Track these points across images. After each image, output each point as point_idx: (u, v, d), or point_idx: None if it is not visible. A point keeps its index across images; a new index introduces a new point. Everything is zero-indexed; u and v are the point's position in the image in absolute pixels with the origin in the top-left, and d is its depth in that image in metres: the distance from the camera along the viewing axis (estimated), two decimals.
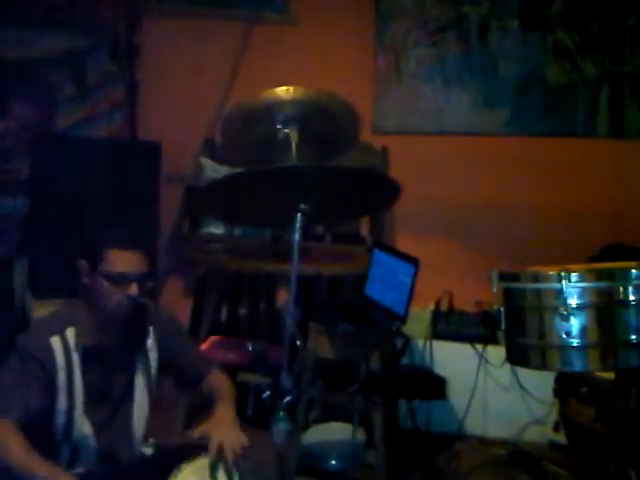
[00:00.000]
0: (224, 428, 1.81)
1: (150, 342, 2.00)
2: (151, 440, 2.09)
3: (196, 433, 1.82)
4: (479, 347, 3.15)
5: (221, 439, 1.76)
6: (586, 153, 3.54)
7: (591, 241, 3.20)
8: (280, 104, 1.94)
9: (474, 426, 3.16)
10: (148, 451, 2.05)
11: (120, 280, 1.79)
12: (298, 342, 1.67)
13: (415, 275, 2.46)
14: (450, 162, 3.64)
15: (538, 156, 3.57)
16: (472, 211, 3.57)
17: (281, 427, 1.60)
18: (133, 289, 1.80)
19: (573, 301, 1.54)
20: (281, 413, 1.61)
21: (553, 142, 3.56)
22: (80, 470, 1.87)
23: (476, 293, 3.18)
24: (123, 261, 1.79)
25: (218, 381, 2.07)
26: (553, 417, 2.85)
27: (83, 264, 1.83)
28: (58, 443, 1.85)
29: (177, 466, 1.89)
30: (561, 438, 2.71)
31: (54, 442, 1.85)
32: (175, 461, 1.92)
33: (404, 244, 3.28)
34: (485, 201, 3.55)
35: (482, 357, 3.13)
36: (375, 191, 1.69)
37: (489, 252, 3.46)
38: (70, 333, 1.83)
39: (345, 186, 1.59)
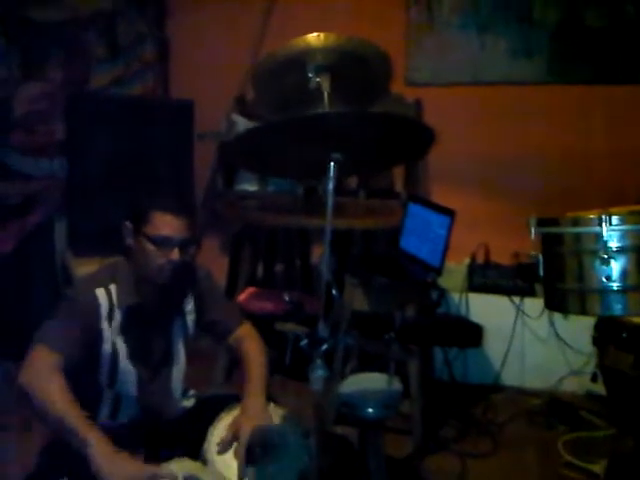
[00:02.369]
0: (253, 420, 1.85)
1: (189, 305, 2.04)
2: (192, 392, 2.14)
3: (228, 429, 1.85)
4: (516, 299, 3.14)
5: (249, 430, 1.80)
6: (628, 100, 3.43)
7: (632, 190, 3.12)
8: (311, 52, 1.90)
9: (511, 377, 3.17)
10: (189, 404, 2.11)
11: (163, 244, 1.81)
12: (334, 291, 1.67)
13: (450, 226, 2.44)
14: (485, 113, 3.56)
15: (577, 105, 3.47)
16: (508, 162, 3.50)
17: (318, 374, 1.61)
18: (175, 254, 1.82)
19: (613, 244, 1.52)
20: (318, 361, 1.62)
21: (592, 90, 3.45)
22: (124, 421, 1.94)
23: (513, 245, 3.16)
24: (167, 225, 1.81)
25: (247, 342, 2.10)
26: (591, 368, 2.84)
27: (128, 225, 1.86)
28: (101, 390, 1.91)
29: (217, 415, 1.95)
30: (599, 389, 2.70)
31: (97, 389, 1.91)
32: (215, 411, 1.98)
33: (439, 198, 3.24)
34: (522, 152, 3.48)
35: (519, 309, 3.11)
36: (409, 138, 1.66)
37: (526, 204, 3.39)
38: (113, 290, 1.87)
39: (378, 133, 1.57)
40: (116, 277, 1.89)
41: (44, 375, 1.70)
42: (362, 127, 1.54)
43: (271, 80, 2.03)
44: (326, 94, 1.85)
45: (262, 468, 1.78)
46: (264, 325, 2.20)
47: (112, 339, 1.86)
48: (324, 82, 1.88)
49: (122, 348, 1.88)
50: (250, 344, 2.09)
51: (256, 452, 1.79)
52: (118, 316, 1.86)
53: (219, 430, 1.89)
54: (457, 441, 2.68)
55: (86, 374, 1.84)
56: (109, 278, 1.89)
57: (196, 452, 1.81)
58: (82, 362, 1.80)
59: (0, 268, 3.24)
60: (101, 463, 1.61)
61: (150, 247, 1.81)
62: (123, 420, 1.94)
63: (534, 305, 3.08)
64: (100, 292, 1.85)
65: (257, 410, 1.89)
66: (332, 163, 1.57)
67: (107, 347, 1.86)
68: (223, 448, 1.83)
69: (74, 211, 3.30)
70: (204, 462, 1.79)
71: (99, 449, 1.62)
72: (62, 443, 1.76)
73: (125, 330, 1.88)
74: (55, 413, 1.66)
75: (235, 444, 1.82)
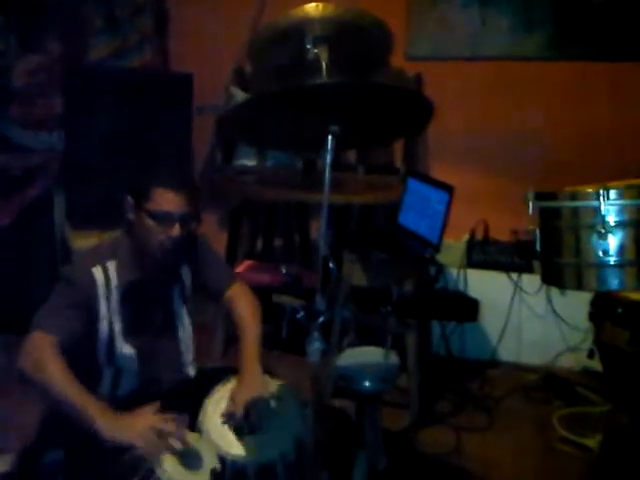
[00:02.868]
0: (249, 389, 1.86)
1: (185, 269, 2.04)
2: (194, 362, 2.16)
3: (226, 401, 1.87)
4: (514, 276, 3.14)
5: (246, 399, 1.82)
6: (629, 77, 3.39)
7: (633, 167, 3.11)
8: (309, 22, 1.88)
9: (507, 353, 3.19)
10: (191, 372, 2.12)
11: (164, 219, 1.81)
12: (331, 265, 1.67)
13: (449, 202, 2.43)
14: (486, 88, 3.53)
15: (577, 81, 3.44)
16: (508, 138, 3.48)
17: (315, 346, 1.62)
18: (175, 230, 1.82)
19: (611, 219, 1.51)
20: (315, 333, 1.62)
21: (593, 66, 3.41)
22: (122, 394, 1.96)
23: (512, 222, 3.16)
24: (168, 201, 1.81)
25: (240, 303, 2.10)
26: (587, 344, 2.85)
27: (129, 200, 1.85)
28: (100, 367, 1.92)
29: (213, 388, 1.97)
30: (595, 365, 2.70)
31: (97, 366, 1.92)
32: (212, 383, 1.99)
33: (438, 174, 3.22)
34: (522, 128, 3.45)
35: (517, 285, 3.12)
36: (408, 111, 1.65)
37: (525, 181, 3.37)
38: (111, 266, 1.87)
39: (377, 105, 1.55)
40: (116, 253, 1.89)
41: (43, 358, 1.71)
42: (360, 99, 1.53)
43: (269, 51, 2.01)
44: (324, 65, 1.84)
45: (258, 437, 1.80)
46: (261, 297, 2.21)
47: (109, 318, 1.86)
48: (322, 53, 1.86)
49: (120, 326, 1.89)
50: (243, 306, 2.09)
51: (252, 422, 1.81)
52: (115, 293, 1.86)
53: (214, 402, 1.91)
54: (453, 415, 2.70)
55: (85, 352, 1.85)
56: (108, 254, 1.89)
57: (192, 423, 1.83)
58: (80, 341, 1.81)
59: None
60: (108, 430, 1.63)
61: (151, 223, 1.81)
62: (122, 394, 1.96)
63: (532, 282, 3.09)
64: (97, 270, 1.84)
65: (253, 380, 1.91)
66: (330, 136, 1.56)
67: (104, 326, 1.86)
68: (218, 419, 1.84)
69: (73, 185, 3.29)
70: (200, 433, 1.81)
71: (104, 418, 1.64)
72: (59, 416, 1.79)
73: (123, 307, 1.88)
74: (57, 393, 1.68)
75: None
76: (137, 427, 1.66)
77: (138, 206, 1.84)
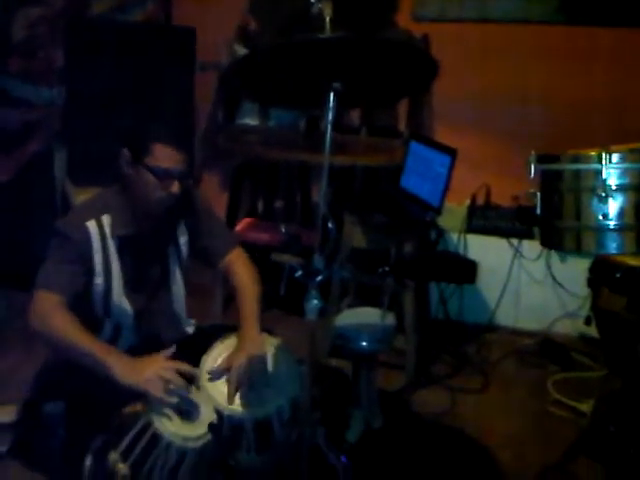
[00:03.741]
0: (246, 350, 1.86)
1: (181, 229, 2.04)
2: (193, 321, 2.18)
3: (223, 361, 1.87)
4: (514, 241, 3.14)
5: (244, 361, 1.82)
6: (636, 43, 3.34)
7: (635, 133, 3.08)
8: None
9: (505, 317, 3.20)
10: (190, 330, 2.14)
11: (165, 176, 1.79)
12: (330, 224, 1.66)
13: (452, 166, 2.42)
14: (492, 52, 3.48)
15: (584, 46, 3.38)
16: (513, 103, 3.44)
17: (313, 305, 1.62)
18: (175, 187, 1.81)
19: (612, 182, 1.51)
20: (313, 292, 1.62)
21: (601, 32, 3.35)
22: (123, 347, 1.97)
23: (513, 188, 3.14)
24: (168, 157, 1.79)
25: (238, 269, 2.09)
26: (585, 311, 2.86)
27: (126, 153, 1.82)
28: (100, 320, 1.94)
29: (211, 344, 1.99)
30: (592, 331, 2.72)
31: (96, 320, 1.94)
32: (210, 340, 2.01)
33: (442, 138, 3.20)
34: (527, 93, 3.42)
35: (517, 251, 3.12)
36: (412, 69, 1.62)
37: (529, 146, 3.36)
38: (106, 220, 1.86)
39: (381, 63, 1.53)
40: (110, 207, 1.88)
41: (51, 315, 1.73)
42: (364, 56, 1.51)
43: (273, 6, 1.98)
44: (328, 20, 1.81)
45: (254, 394, 1.82)
46: (260, 255, 2.21)
47: (105, 272, 1.87)
48: (326, 8, 1.83)
49: (116, 280, 1.89)
50: (241, 271, 2.08)
51: (248, 379, 1.82)
52: (111, 247, 1.86)
53: (212, 358, 1.93)
54: (449, 377, 2.73)
55: (83, 306, 1.87)
56: (101, 208, 1.88)
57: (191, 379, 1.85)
58: (79, 296, 1.82)
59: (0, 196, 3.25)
60: (124, 373, 1.66)
61: (150, 178, 1.80)
62: (121, 348, 1.98)
63: (532, 247, 3.09)
64: (91, 224, 1.84)
65: (251, 341, 1.92)
66: (332, 93, 1.54)
67: (99, 281, 1.87)
68: (216, 376, 1.86)
69: (73, 140, 3.27)
70: (198, 388, 1.83)
71: (118, 363, 1.67)
72: (59, 368, 1.81)
73: (119, 261, 1.89)
74: (71, 345, 1.70)
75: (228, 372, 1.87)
76: (151, 372, 1.69)
77: (136, 160, 1.81)
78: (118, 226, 1.87)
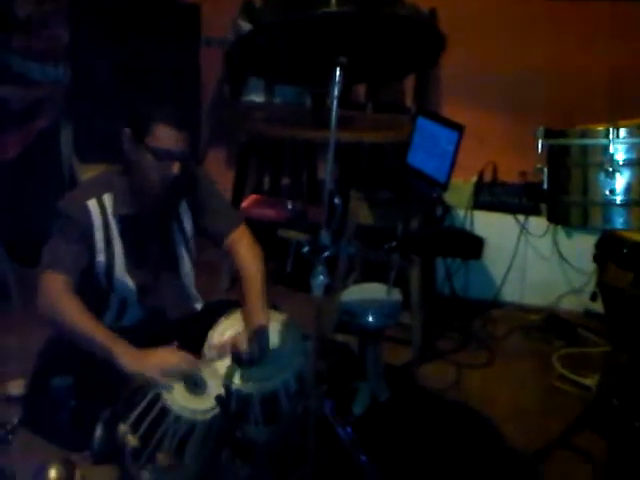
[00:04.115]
0: (251, 325, 1.88)
1: (184, 209, 2.04)
2: (200, 298, 2.20)
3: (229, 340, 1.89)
4: (521, 218, 3.13)
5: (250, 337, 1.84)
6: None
7: None
8: None
9: (511, 294, 3.21)
10: (198, 306, 2.16)
11: (165, 156, 1.79)
12: (336, 200, 1.66)
13: (459, 142, 2.42)
14: (500, 26, 3.44)
15: (592, 20, 3.33)
16: (522, 78, 3.41)
17: (319, 280, 1.62)
18: (176, 168, 1.81)
19: (620, 157, 1.50)
20: (320, 267, 1.63)
21: (606, 5, 3.30)
22: (131, 323, 2.00)
23: (521, 164, 3.14)
24: (169, 138, 1.79)
25: (241, 247, 2.08)
26: (591, 287, 2.86)
27: (127, 132, 1.82)
28: (106, 294, 1.96)
29: (217, 319, 2.01)
30: (597, 307, 2.72)
31: (103, 297, 1.96)
32: (217, 315, 2.03)
33: (449, 114, 3.18)
34: (536, 68, 3.38)
35: (523, 227, 3.12)
36: (419, 44, 1.61)
37: (537, 123, 3.33)
38: (107, 199, 1.87)
39: (387, 37, 1.52)
40: (112, 186, 1.89)
41: (59, 299, 1.75)
42: (370, 30, 1.50)
43: None
44: None
45: (261, 368, 1.84)
46: (266, 232, 2.22)
47: (106, 249, 1.88)
48: None
49: (118, 258, 1.90)
50: (244, 251, 2.07)
51: (254, 353, 1.84)
52: (113, 226, 1.88)
53: (218, 333, 1.95)
54: (455, 352, 2.75)
55: (88, 280, 1.88)
56: (103, 187, 1.89)
57: (197, 353, 1.87)
58: (83, 275, 1.84)
59: (7, 174, 3.25)
60: (130, 363, 1.68)
61: (151, 159, 1.80)
62: (128, 323, 2.00)
63: (538, 224, 3.09)
64: (92, 203, 1.85)
65: (256, 319, 1.93)
66: (338, 67, 1.53)
67: (101, 258, 1.88)
68: (222, 351, 1.89)
69: (79, 117, 3.27)
70: (205, 363, 1.85)
71: (124, 352, 1.69)
72: (64, 343, 1.83)
73: (121, 239, 1.90)
74: (78, 332, 1.72)
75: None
76: (156, 363, 1.70)
77: (138, 140, 1.81)
78: (120, 205, 1.88)
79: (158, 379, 1.69)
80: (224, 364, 1.86)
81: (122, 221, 1.89)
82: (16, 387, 2.23)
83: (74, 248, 1.81)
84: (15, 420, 2.06)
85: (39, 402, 2.05)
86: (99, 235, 1.86)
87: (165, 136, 1.78)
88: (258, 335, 1.86)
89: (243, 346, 1.84)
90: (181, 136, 1.81)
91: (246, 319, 1.94)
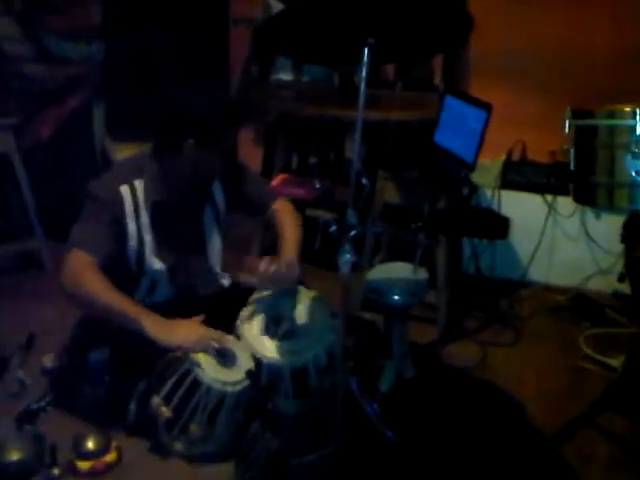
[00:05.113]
0: (283, 266, 1.97)
1: (217, 187, 2.08)
2: (228, 274, 2.25)
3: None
4: (549, 197, 3.12)
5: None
6: None
7: None
8: None
9: (538, 274, 3.20)
10: (226, 283, 2.21)
11: (231, 153, 1.98)
12: (364, 180, 1.69)
13: (487, 121, 2.41)
14: (531, 3, 3.39)
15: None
16: (551, 57, 3.36)
17: (346, 258, 1.66)
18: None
19: None
20: (347, 246, 1.66)
21: None
22: (161, 299, 2.05)
23: (550, 144, 3.11)
24: (230, 134, 1.95)
25: (283, 214, 2.16)
26: (619, 268, 2.85)
27: (190, 143, 1.87)
28: (136, 276, 2.01)
29: (249, 296, 2.05)
30: (625, 288, 2.72)
31: (133, 276, 2.01)
32: (247, 292, 2.08)
33: (478, 93, 3.15)
34: (566, 46, 3.33)
35: (551, 207, 3.10)
36: (447, 25, 1.62)
37: (567, 101, 3.29)
38: (139, 185, 1.92)
39: (415, 18, 1.53)
40: (143, 172, 1.93)
41: (83, 275, 1.80)
42: (398, 11, 1.51)
43: None
44: None
45: (292, 343, 1.89)
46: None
47: (138, 235, 1.93)
48: None
49: (149, 242, 1.95)
50: (287, 216, 2.17)
51: (285, 328, 1.89)
52: (144, 212, 1.92)
53: (250, 309, 2.00)
54: (480, 331, 2.76)
55: (119, 263, 1.94)
56: (134, 173, 1.93)
57: (228, 329, 1.92)
58: (114, 253, 1.89)
59: (41, 152, 3.32)
60: (156, 332, 1.75)
61: (220, 157, 1.94)
62: (159, 300, 2.06)
63: (566, 204, 3.06)
64: (124, 189, 1.89)
65: (288, 261, 1.99)
66: (366, 48, 1.55)
67: (133, 243, 1.93)
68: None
69: (112, 96, 3.32)
70: (237, 337, 1.90)
71: (151, 322, 1.76)
72: (98, 318, 1.89)
73: (152, 225, 1.95)
74: (102, 304, 1.78)
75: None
76: (184, 331, 1.76)
77: (204, 144, 1.89)
78: (151, 192, 1.92)
79: (186, 346, 1.74)
80: (256, 337, 1.90)
81: (153, 207, 1.93)
82: (52, 360, 2.30)
83: (103, 231, 1.86)
84: (52, 392, 2.14)
85: (76, 375, 2.13)
86: (131, 221, 1.90)
87: (230, 135, 1.93)
88: (290, 265, 1.93)
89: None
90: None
91: (279, 256, 2.00)
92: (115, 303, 1.77)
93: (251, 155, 3.51)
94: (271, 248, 2.97)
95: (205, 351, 1.78)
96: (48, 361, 2.30)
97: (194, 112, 1.86)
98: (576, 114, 1.64)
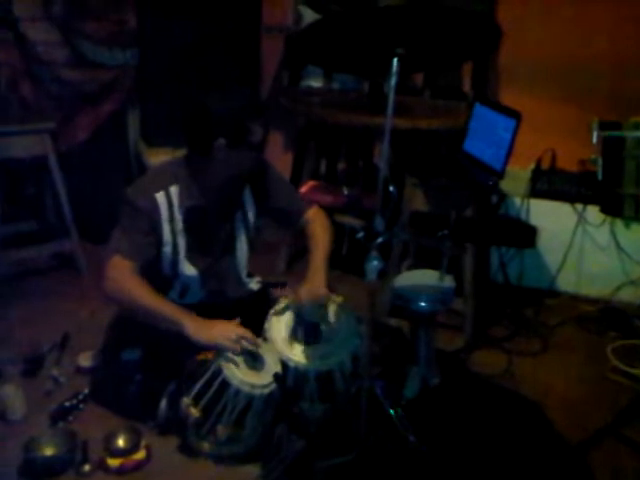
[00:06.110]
0: (312, 289, 2.00)
1: (247, 196, 2.12)
2: (257, 278, 2.29)
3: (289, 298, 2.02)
4: (579, 207, 3.10)
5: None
6: None
7: None
8: None
9: (566, 283, 3.18)
10: (255, 287, 2.25)
11: (261, 147, 1.97)
12: (391, 187, 1.71)
13: (516, 130, 2.41)
14: (561, 12, 3.37)
15: None
16: (581, 66, 3.34)
17: (373, 265, 1.68)
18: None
19: None
20: (374, 252, 1.68)
21: None
22: (192, 302, 2.10)
23: (580, 152, 3.09)
24: (259, 131, 1.94)
25: (316, 227, 2.19)
26: None
27: (221, 142, 1.90)
28: (169, 280, 2.06)
29: (276, 300, 2.09)
30: None
31: (166, 279, 2.06)
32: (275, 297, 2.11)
33: (507, 101, 3.15)
34: (596, 55, 3.31)
35: (581, 216, 3.08)
36: (476, 34, 1.63)
37: (597, 110, 3.28)
38: (174, 191, 1.96)
39: (444, 28, 1.55)
40: (178, 178, 1.97)
41: (124, 279, 1.87)
42: (428, 21, 1.53)
43: None
44: None
45: (318, 348, 1.92)
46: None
47: (172, 240, 1.98)
48: None
49: (182, 247, 2.00)
50: (319, 225, 2.20)
51: (312, 333, 1.92)
52: (178, 217, 1.97)
53: (278, 312, 2.03)
54: (507, 340, 2.75)
55: (153, 268, 1.99)
56: (170, 179, 1.97)
57: (257, 331, 1.96)
58: (150, 259, 1.95)
59: (77, 156, 3.40)
60: (195, 331, 1.80)
61: (252, 154, 1.96)
62: (190, 302, 2.10)
63: (596, 213, 3.02)
64: (160, 196, 1.94)
65: (317, 282, 2.02)
66: (396, 58, 1.58)
67: (167, 249, 1.98)
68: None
69: (146, 101, 3.38)
70: (264, 340, 1.94)
71: (190, 322, 1.81)
72: (131, 319, 1.94)
73: (186, 231, 1.99)
74: (144, 307, 1.84)
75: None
76: (221, 330, 1.81)
77: (235, 143, 1.91)
78: (185, 197, 1.97)
79: (223, 345, 1.79)
80: (283, 341, 1.94)
81: (187, 212, 1.97)
82: (86, 359, 2.36)
83: (142, 238, 1.92)
84: (85, 390, 2.19)
85: (109, 374, 2.19)
86: (166, 227, 1.95)
87: (258, 130, 1.92)
88: (313, 297, 1.96)
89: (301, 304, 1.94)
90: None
91: (306, 281, 2.02)
92: (156, 305, 1.84)
93: (280, 161, 3.53)
94: (299, 253, 3.02)
95: (239, 351, 1.82)
96: (82, 360, 2.36)
97: (223, 110, 1.89)
98: (603, 125, 1.64)
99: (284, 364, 1.88)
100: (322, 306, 2.01)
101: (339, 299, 2.11)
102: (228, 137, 1.88)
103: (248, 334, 1.85)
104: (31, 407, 2.11)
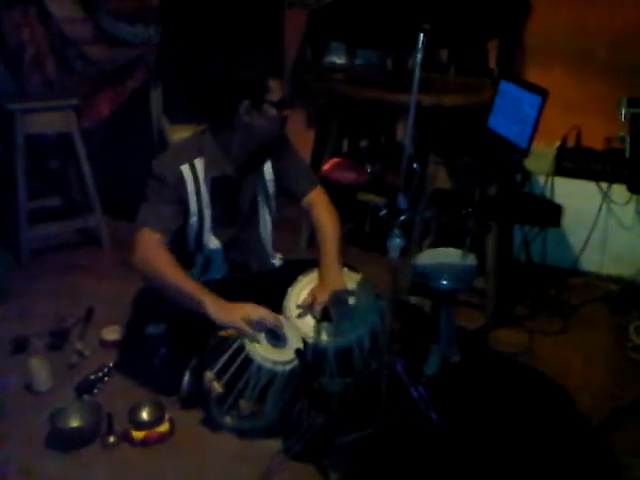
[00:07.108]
0: (328, 287, 1.99)
1: (268, 169, 2.13)
2: (279, 255, 2.30)
3: (307, 296, 2.02)
4: (604, 185, 3.06)
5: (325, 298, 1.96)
6: None
7: None
8: None
9: (590, 263, 3.15)
10: (277, 263, 2.26)
11: (282, 105, 1.94)
12: (415, 165, 1.70)
13: (542, 107, 2.37)
14: None
15: None
16: (609, 43, 3.27)
17: (395, 243, 1.68)
18: (287, 111, 1.96)
19: None
20: (396, 230, 1.68)
21: None
22: (217, 276, 2.12)
23: (606, 130, 3.05)
24: (279, 88, 1.94)
25: (318, 209, 2.18)
26: None
27: (245, 104, 1.91)
28: (192, 253, 2.08)
29: (296, 277, 2.10)
30: None
31: (189, 253, 2.08)
32: (296, 273, 2.13)
33: (533, 77, 3.11)
34: (623, 31, 3.23)
35: (606, 195, 3.04)
36: (503, 10, 1.61)
37: (625, 87, 3.21)
38: (199, 164, 1.98)
39: (471, 3, 1.53)
40: (203, 150, 1.99)
41: (152, 253, 1.89)
42: None
43: None
44: None
45: (337, 325, 1.93)
46: (346, 195, 2.28)
47: (198, 213, 1.99)
48: None
49: (207, 219, 2.02)
50: (320, 212, 2.18)
51: (331, 310, 1.93)
52: (204, 189, 1.98)
53: (297, 290, 2.05)
54: (528, 319, 2.74)
55: (177, 241, 2.01)
56: (194, 152, 1.99)
57: (277, 308, 1.97)
58: (175, 234, 1.97)
59: (100, 132, 3.42)
60: (217, 312, 1.81)
61: (273, 112, 1.94)
62: (213, 276, 2.12)
63: (622, 192, 2.98)
64: (185, 168, 1.96)
65: (332, 278, 2.02)
66: (421, 33, 1.56)
67: (194, 221, 2.00)
68: (303, 312, 1.98)
69: (169, 78, 3.38)
70: (285, 317, 1.95)
71: (211, 302, 1.82)
72: (156, 293, 1.96)
73: (212, 201, 2.01)
74: (168, 283, 1.86)
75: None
76: (242, 311, 1.82)
77: (257, 103, 1.91)
78: (210, 168, 1.98)
79: (243, 327, 1.80)
80: (303, 319, 1.96)
81: (212, 183, 1.99)
82: (111, 333, 2.40)
83: (169, 210, 1.94)
84: (110, 364, 2.23)
85: (133, 348, 2.22)
86: (192, 199, 1.97)
87: (276, 87, 1.92)
88: (334, 294, 1.95)
89: (321, 305, 1.94)
90: (282, 82, 1.95)
91: (322, 279, 2.03)
92: (181, 283, 1.85)
93: (302, 138, 3.53)
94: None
95: (260, 331, 1.83)
96: (106, 334, 2.40)
97: (247, 72, 1.92)
98: (631, 102, 1.61)
99: (304, 340, 1.89)
100: (343, 300, 2.00)
101: (358, 276, 2.12)
102: (251, 97, 1.90)
103: (268, 315, 1.85)
104: (57, 380, 2.15)
